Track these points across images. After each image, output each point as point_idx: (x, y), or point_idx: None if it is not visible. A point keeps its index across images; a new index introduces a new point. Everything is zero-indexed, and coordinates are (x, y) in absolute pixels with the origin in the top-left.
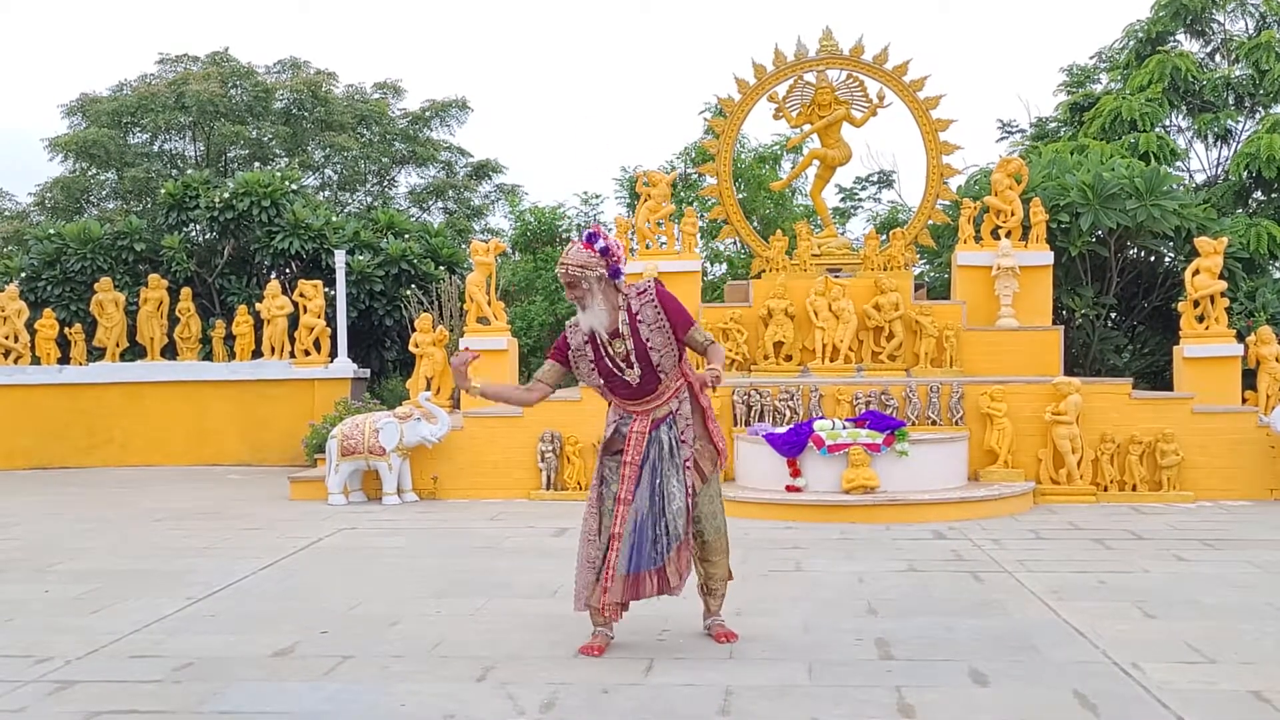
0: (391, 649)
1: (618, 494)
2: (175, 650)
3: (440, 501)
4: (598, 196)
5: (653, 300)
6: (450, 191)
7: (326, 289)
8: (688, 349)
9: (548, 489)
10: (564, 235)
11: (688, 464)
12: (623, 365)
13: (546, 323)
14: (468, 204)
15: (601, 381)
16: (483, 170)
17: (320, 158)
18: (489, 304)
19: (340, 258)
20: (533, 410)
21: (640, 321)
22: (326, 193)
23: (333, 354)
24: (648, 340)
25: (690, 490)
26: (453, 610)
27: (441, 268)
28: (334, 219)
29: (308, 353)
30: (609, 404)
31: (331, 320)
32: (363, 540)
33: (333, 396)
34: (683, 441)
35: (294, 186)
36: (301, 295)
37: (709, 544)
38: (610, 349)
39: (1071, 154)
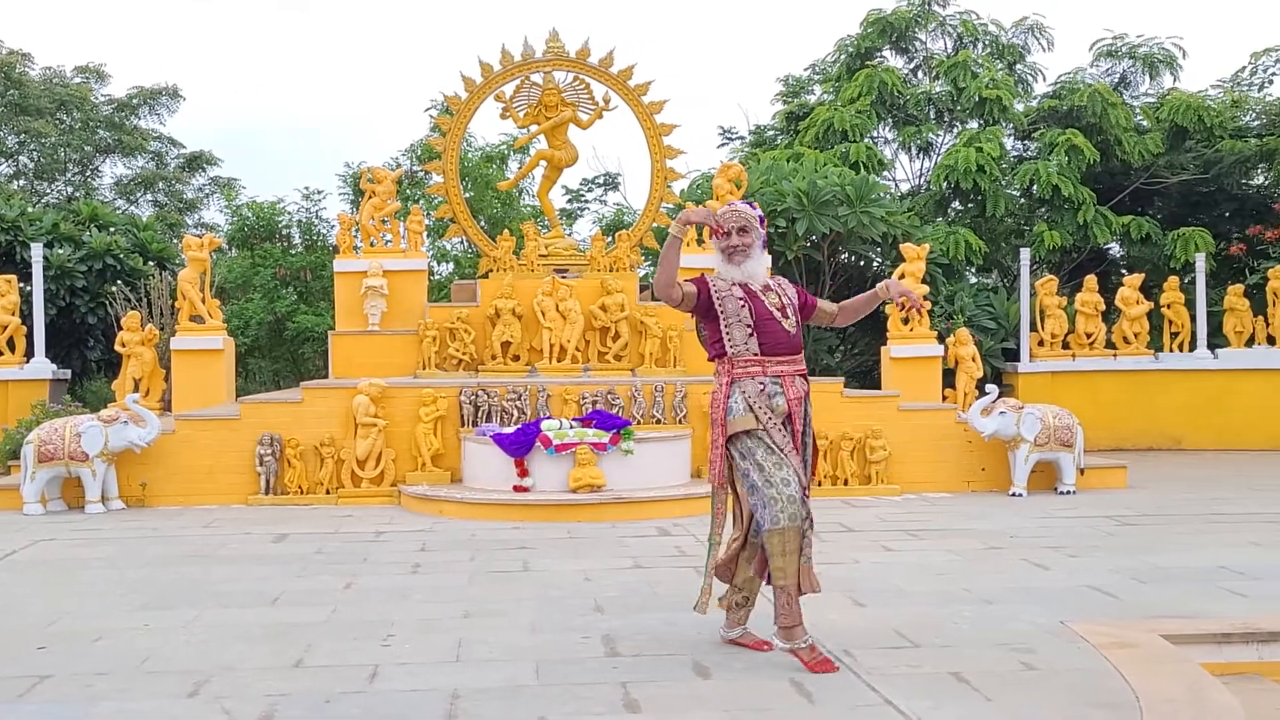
0: (95, 666)
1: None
2: None
3: (150, 509)
4: (320, 192)
5: (788, 282)
6: (160, 183)
7: (22, 284)
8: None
9: (267, 493)
10: (284, 231)
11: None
12: (778, 314)
13: (265, 321)
14: (180, 197)
15: (752, 324)
16: (196, 162)
17: (14, 144)
18: (203, 302)
19: (37, 251)
20: (249, 412)
21: (784, 288)
22: (22, 182)
23: (29, 354)
24: (793, 302)
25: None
26: (162, 623)
27: (151, 263)
28: (30, 210)
29: (0, 352)
30: (728, 379)
31: (27, 318)
32: (63, 551)
33: (29, 399)
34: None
35: None
36: None
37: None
38: (764, 298)
39: (788, 161)
